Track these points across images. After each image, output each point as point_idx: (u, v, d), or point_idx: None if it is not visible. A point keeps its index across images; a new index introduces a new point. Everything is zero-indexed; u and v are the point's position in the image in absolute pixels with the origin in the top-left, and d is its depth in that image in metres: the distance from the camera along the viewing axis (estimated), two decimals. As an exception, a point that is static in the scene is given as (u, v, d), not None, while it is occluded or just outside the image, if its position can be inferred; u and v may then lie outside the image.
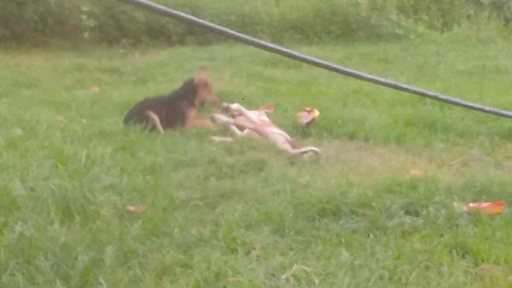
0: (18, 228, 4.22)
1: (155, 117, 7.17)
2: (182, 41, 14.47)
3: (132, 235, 4.26)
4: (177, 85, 9.10)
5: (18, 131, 6.60)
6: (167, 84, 9.53)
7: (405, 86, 5.76)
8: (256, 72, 10.94)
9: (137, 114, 7.19)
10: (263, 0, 15.99)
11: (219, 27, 4.48)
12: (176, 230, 4.35)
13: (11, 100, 8.61)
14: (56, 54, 12.86)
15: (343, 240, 4.23)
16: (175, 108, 7.46)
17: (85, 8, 13.51)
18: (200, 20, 4.31)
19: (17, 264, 3.82)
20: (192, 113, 7.57)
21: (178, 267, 3.85)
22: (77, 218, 4.50)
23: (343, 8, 15.64)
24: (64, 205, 4.67)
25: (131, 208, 4.78)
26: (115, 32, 14.27)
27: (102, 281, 3.67)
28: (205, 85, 7.69)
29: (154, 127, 7.08)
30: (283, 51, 4.95)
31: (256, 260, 3.96)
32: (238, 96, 8.38)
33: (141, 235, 4.29)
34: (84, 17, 13.45)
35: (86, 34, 13.57)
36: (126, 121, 7.22)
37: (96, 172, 5.38)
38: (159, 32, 14.61)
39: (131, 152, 6.18)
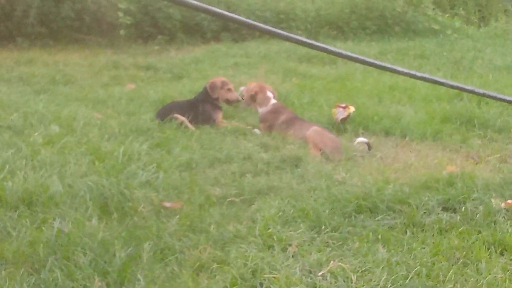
0: (56, 224, 4.26)
1: (182, 118, 7.18)
2: (217, 38, 14.48)
3: (169, 232, 4.29)
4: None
5: (55, 128, 6.65)
6: (202, 81, 9.49)
7: (441, 80, 5.70)
8: (292, 69, 10.91)
9: (163, 116, 7.22)
10: (298, -3, 15.95)
11: (255, 23, 4.47)
12: (212, 226, 4.37)
13: (49, 97, 8.67)
14: (92, 52, 12.94)
15: (380, 237, 4.22)
16: (201, 111, 7.50)
17: (121, 6, 13.58)
18: (235, 16, 4.30)
19: (56, 260, 3.86)
20: (218, 115, 7.60)
21: (215, 264, 3.87)
22: (115, 214, 4.54)
23: (379, 3, 15.53)
24: (102, 202, 4.72)
25: (167, 204, 4.80)
26: (151, 29, 14.32)
27: (140, 278, 3.70)
28: (222, 86, 7.70)
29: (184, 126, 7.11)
30: (318, 46, 4.93)
31: (292, 256, 3.97)
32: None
33: (178, 232, 4.31)
34: (120, 14, 13.52)
35: (122, 32, 13.63)
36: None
37: (132, 169, 5.42)
38: (194, 29, 14.63)
39: (167, 149, 6.20)
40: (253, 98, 7.55)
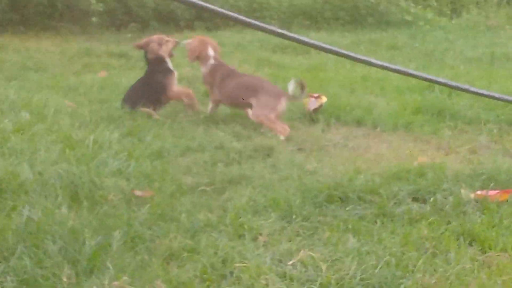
0: (26, 212, 4.23)
1: (147, 110, 7.10)
2: (190, 26, 14.44)
3: (139, 220, 4.27)
4: (185, 70, 9.14)
5: (26, 115, 6.59)
6: (175, 69, 9.50)
7: (414, 72, 5.74)
8: (265, 58, 10.92)
9: (131, 104, 7.17)
10: (272, -14, 15.95)
11: (228, 12, 4.47)
12: (183, 215, 4.35)
13: (20, 84, 8.61)
14: (64, 39, 12.86)
15: (350, 227, 4.24)
16: (154, 84, 7.40)
17: (94, -7, 13.53)
18: (209, 5, 4.30)
19: (25, 248, 3.82)
20: (172, 82, 7.49)
21: (185, 253, 3.85)
22: (85, 202, 4.51)
23: (352, -6, 15.59)
24: (72, 190, 4.69)
25: (138, 193, 4.78)
26: (124, 17, 14.26)
27: (110, 266, 3.67)
28: (159, 41, 7.61)
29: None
30: (291, 37, 4.94)
31: (263, 246, 3.97)
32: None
33: (149, 220, 4.30)
34: (92, 1, 13.44)
35: (94, 19, 13.55)
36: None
37: (103, 157, 5.38)
38: (168, 17, 14.59)
39: (138, 137, 6.18)
40: (197, 57, 7.42)
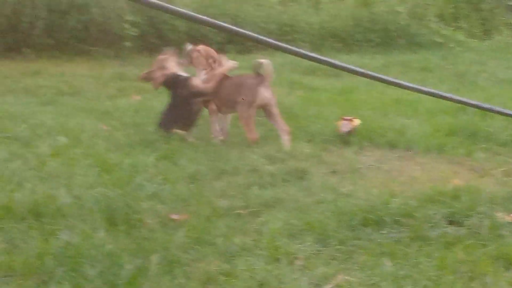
0: (64, 236, 4.30)
1: (182, 132, 7.20)
2: (222, 50, 14.45)
3: (176, 244, 4.31)
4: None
5: (63, 140, 6.69)
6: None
7: (446, 94, 5.74)
8: (297, 81, 10.95)
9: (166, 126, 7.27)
10: (302, 9, 15.98)
11: (259, 36, 4.51)
12: (219, 239, 4.39)
13: (56, 108, 8.72)
14: (98, 63, 12.99)
15: (386, 250, 4.24)
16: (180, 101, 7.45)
17: (127, 18, 13.63)
18: (240, 30, 4.35)
19: (64, 272, 3.88)
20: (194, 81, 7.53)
21: (222, 276, 3.88)
22: (122, 226, 4.56)
23: (382, 16, 15.58)
24: (109, 213, 4.74)
25: (174, 216, 4.83)
26: (156, 41, 14.35)
27: (148, 290, 3.72)
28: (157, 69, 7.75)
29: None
30: (322, 60, 4.97)
31: (299, 270, 3.99)
32: (279, 106, 8.37)
33: (185, 244, 4.33)
34: (126, 26, 13.58)
35: (127, 43, 13.68)
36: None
37: (139, 181, 5.46)
38: (199, 41, 14.60)
39: (173, 161, 6.23)
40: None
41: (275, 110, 7.11)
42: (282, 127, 7.07)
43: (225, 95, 7.25)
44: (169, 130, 7.12)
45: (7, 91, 10.12)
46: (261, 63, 6.90)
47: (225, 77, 7.37)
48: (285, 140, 6.95)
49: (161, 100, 8.90)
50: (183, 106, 7.32)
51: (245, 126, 6.95)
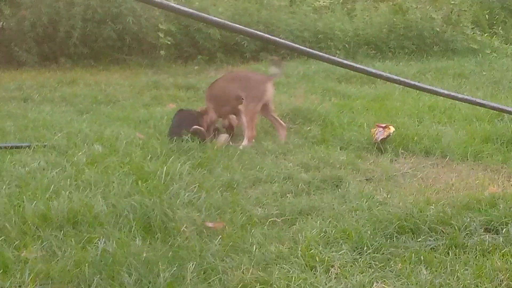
0: (101, 244, 4.33)
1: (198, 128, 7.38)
2: (256, 58, 14.54)
3: (211, 252, 4.34)
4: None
5: (99, 148, 6.74)
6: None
7: (482, 101, 5.70)
8: (331, 88, 10.92)
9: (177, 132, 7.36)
10: (337, 17, 15.95)
11: (292, 44, 4.51)
12: (255, 247, 4.41)
13: (91, 117, 8.79)
14: (133, 72, 13.07)
15: (422, 258, 4.23)
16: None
17: (162, 27, 13.70)
18: (275, 38, 4.36)
19: (101, 279, 3.93)
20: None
21: (258, 284, 3.90)
22: (158, 234, 4.59)
23: (417, 23, 15.48)
24: (145, 222, 4.78)
25: (210, 224, 4.85)
26: (191, 50, 14.42)
27: (185, 298, 3.74)
28: None
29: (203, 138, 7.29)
30: (357, 67, 4.96)
31: (335, 278, 3.99)
32: (313, 113, 8.40)
33: (221, 252, 4.36)
34: (160, 35, 13.65)
35: (162, 52, 13.75)
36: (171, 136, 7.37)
37: (175, 189, 5.49)
38: (234, 49, 14.71)
39: (208, 169, 6.26)
40: None
41: (273, 106, 7.55)
42: (281, 122, 7.51)
43: (228, 92, 7.52)
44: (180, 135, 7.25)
45: (44, 100, 10.22)
46: (279, 61, 7.09)
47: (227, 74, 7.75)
48: (282, 134, 7.39)
49: (195, 108, 8.95)
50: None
51: (249, 122, 7.21)
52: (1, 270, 4.07)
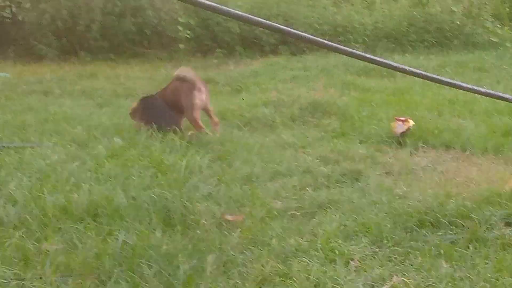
0: (121, 236, 4.35)
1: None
2: (275, 51, 14.55)
3: (231, 245, 4.34)
4: (272, 95, 9.23)
5: (119, 141, 6.77)
6: (261, 94, 9.60)
7: (503, 95, 5.65)
8: (350, 82, 10.89)
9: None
10: (356, 10, 15.92)
11: (312, 37, 4.49)
12: (274, 240, 4.40)
13: (111, 110, 8.83)
14: (153, 65, 13.11)
15: (442, 252, 4.21)
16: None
17: (181, 20, 13.74)
18: (295, 31, 4.34)
19: (121, 271, 3.94)
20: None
21: (277, 277, 3.90)
22: (178, 226, 4.60)
23: (437, 16, 15.43)
24: (165, 214, 4.79)
25: (229, 217, 4.85)
26: (210, 43, 14.47)
27: (204, 290, 3.74)
28: None
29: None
30: (378, 61, 4.94)
31: (355, 271, 3.98)
32: (333, 107, 8.39)
33: (240, 245, 4.36)
34: (180, 28, 13.69)
35: (181, 45, 13.80)
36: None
37: (194, 182, 5.50)
38: (252, 42, 14.73)
39: (227, 162, 6.26)
40: None
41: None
42: (215, 119, 7.60)
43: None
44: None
45: (64, 93, 10.29)
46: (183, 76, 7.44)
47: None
48: (216, 129, 7.49)
49: (214, 102, 8.95)
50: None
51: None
52: (22, 262, 4.09)
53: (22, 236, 4.39)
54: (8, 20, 14.21)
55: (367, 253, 4.22)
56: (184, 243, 4.32)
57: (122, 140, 6.85)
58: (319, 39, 4.47)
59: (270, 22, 3.96)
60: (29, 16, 13.90)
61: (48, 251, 4.20)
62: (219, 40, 14.44)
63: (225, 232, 4.57)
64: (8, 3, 14.23)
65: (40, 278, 3.89)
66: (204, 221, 4.72)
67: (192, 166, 5.92)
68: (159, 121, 7.29)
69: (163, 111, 7.48)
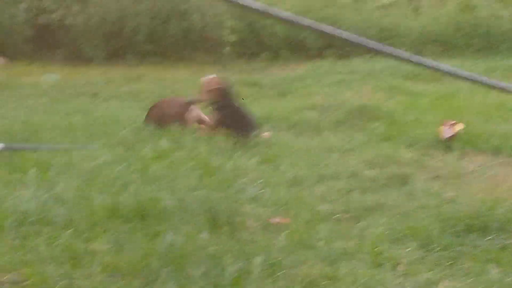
0: (168, 237, 4.37)
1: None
2: (321, 55, 14.48)
3: (277, 247, 4.33)
4: (317, 98, 9.21)
5: (165, 143, 6.80)
6: (306, 98, 9.58)
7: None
8: (397, 86, 10.81)
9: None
10: (402, 14, 15.80)
11: (361, 40, 4.48)
12: (320, 243, 4.39)
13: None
14: (198, 68, 13.13)
15: (491, 257, 4.16)
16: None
17: (227, 24, 13.79)
18: (345, 33, 4.33)
19: (168, 272, 3.95)
20: None
21: (325, 280, 3.88)
22: (224, 228, 4.61)
23: (485, 21, 15.24)
24: (211, 216, 4.79)
25: (275, 220, 4.85)
26: (255, 47, 14.47)
27: (251, 292, 3.75)
28: None
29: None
30: (428, 64, 4.89)
31: (402, 275, 3.96)
32: (379, 111, 8.34)
33: (286, 247, 4.35)
34: (226, 32, 13.73)
35: (227, 49, 13.84)
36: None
37: (241, 184, 5.51)
38: (298, 46, 14.68)
39: (274, 165, 6.26)
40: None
41: None
42: None
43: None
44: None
45: (111, 96, 10.38)
46: None
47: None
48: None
49: (259, 105, 8.98)
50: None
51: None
52: (71, 261, 4.13)
53: (71, 236, 4.43)
54: (57, 23, 14.38)
55: (415, 257, 4.19)
56: (231, 245, 4.33)
57: (168, 142, 6.87)
58: (369, 41, 4.45)
59: (322, 26, 3.96)
60: (77, 19, 14.06)
61: (96, 251, 4.24)
62: (264, 43, 14.44)
63: (271, 234, 4.58)
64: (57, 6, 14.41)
65: (89, 277, 3.93)
66: (250, 223, 4.72)
67: (239, 169, 5.94)
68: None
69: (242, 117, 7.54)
